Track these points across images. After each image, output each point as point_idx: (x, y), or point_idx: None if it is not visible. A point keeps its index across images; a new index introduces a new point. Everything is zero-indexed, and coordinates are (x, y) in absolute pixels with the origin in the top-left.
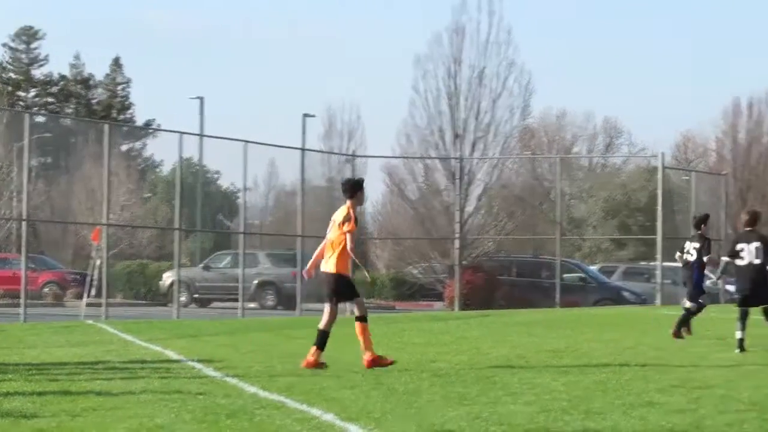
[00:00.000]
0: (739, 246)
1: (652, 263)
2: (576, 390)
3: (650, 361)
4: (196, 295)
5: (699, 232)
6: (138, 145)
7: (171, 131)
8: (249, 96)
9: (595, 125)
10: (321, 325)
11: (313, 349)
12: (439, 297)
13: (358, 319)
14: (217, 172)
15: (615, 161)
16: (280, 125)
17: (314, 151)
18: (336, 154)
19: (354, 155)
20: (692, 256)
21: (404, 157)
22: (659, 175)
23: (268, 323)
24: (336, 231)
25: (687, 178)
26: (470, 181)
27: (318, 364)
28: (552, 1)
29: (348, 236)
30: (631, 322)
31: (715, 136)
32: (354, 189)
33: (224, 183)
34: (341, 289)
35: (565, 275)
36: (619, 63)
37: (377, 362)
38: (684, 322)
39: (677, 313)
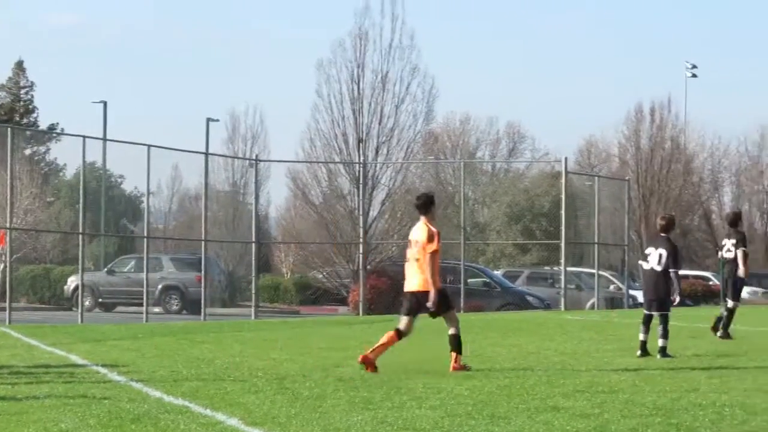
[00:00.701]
0: (648, 250)
1: (555, 268)
2: (480, 395)
3: (554, 366)
4: (100, 300)
5: (736, 228)
6: (41, 149)
7: (74, 135)
8: (152, 100)
9: (498, 130)
10: (451, 331)
11: (454, 355)
12: (343, 302)
13: (398, 330)
14: (121, 177)
15: (518, 166)
16: (184, 129)
17: (218, 155)
18: (239, 158)
19: (257, 159)
20: (731, 253)
21: (307, 162)
22: (562, 180)
23: (173, 328)
24: (420, 251)
25: (590, 183)
26: (374, 185)
27: (464, 367)
28: (455, 5)
29: (430, 256)
30: (536, 327)
31: (617, 141)
32: (428, 204)
33: (128, 187)
34: (443, 301)
35: (469, 280)
36: (522, 68)
37: (370, 363)
38: (729, 323)
39: (582, 318)
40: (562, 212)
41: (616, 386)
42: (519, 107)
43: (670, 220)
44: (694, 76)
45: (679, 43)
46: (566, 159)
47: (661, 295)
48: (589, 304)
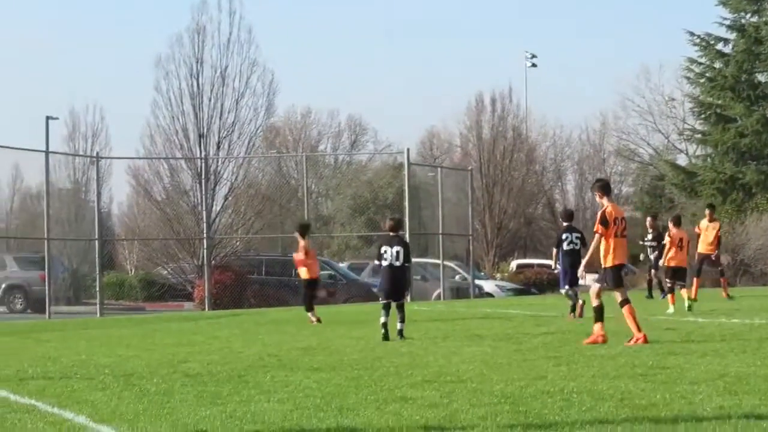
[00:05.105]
0: (383, 249)
1: None
2: (329, 387)
3: (402, 357)
4: None
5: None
6: None
7: None
8: None
9: (340, 123)
10: (595, 303)
11: (598, 325)
12: (189, 297)
13: (622, 303)
14: None
15: (361, 158)
16: (23, 128)
17: (58, 153)
18: (81, 156)
19: (99, 156)
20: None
21: (149, 158)
22: (405, 172)
23: (17, 327)
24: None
25: (433, 174)
26: (216, 180)
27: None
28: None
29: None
30: None
31: (459, 132)
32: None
33: None
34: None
35: None
36: (361, 61)
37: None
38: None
39: (429, 309)
40: (406, 203)
41: (464, 375)
42: (360, 100)
43: (398, 221)
44: (533, 65)
45: (518, 32)
46: (408, 150)
47: (399, 287)
48: (435, 294)
